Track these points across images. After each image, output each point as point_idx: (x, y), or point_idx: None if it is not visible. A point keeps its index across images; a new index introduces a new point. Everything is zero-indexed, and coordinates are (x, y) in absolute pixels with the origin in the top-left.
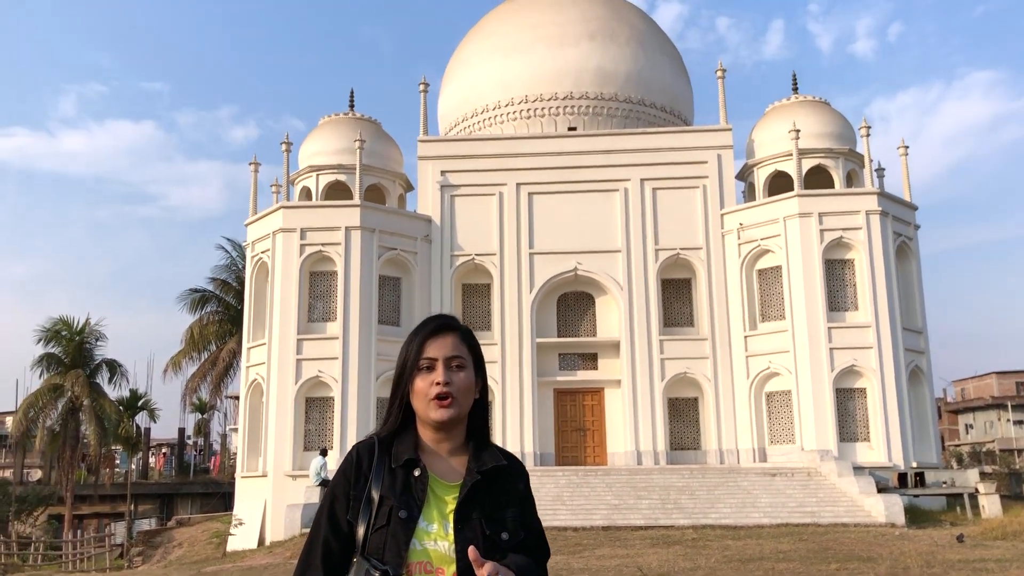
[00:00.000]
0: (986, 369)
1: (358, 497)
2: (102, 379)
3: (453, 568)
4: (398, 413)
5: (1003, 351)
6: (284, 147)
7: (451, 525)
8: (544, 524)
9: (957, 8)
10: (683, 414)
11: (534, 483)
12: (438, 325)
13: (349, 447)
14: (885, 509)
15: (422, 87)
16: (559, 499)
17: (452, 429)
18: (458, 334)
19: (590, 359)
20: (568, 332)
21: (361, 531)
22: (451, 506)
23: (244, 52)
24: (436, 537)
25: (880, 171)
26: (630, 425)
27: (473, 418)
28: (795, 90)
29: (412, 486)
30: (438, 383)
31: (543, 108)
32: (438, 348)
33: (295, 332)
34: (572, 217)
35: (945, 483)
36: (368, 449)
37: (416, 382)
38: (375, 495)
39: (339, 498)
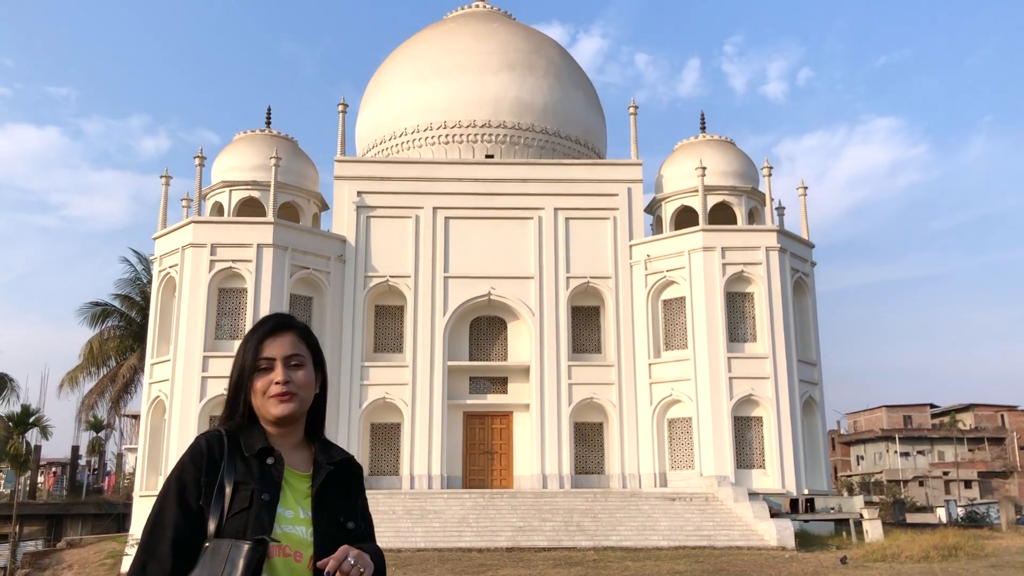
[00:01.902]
0: (877, 403)
1: (210, 484)
2: None
3: (310, 552)
4: (243, 411)
5: (894, 386)
6: (197, 161)
7: (308, 512)
8: (449, 545)
9: (863, 57)
10: (588, 439)
11: (439, 505)
12: (275, 324)
13: None
14: (777, 533)
15: (341, 107)
16: (464, 521)
17: (292, 424)
18: (296, 332)
19: (500, 383)
20: (480, 356)
21: (215, 517)
22: (305, 493)
23: (159, 61)
24: (293, 522)
25: (780, 209)
26: (537, 449)
27: (311, 414)
28: (703, 129)
29: (269, 472)
30: (277, 382)
31: (461, 135)
32: (276, 348)
33: (201, 349)
34: (487, 243)
35: (833, 509)
36: (217, 439)
37: (256, 383)
38: (228, 482)
39: (189, 486)
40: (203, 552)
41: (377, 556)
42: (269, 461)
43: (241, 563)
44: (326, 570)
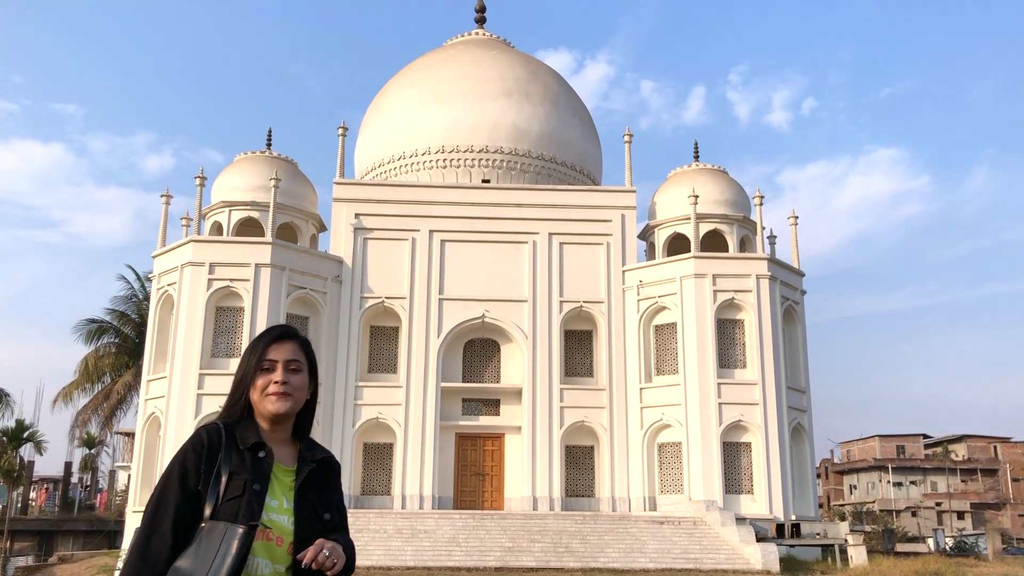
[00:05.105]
0: (871, 432)
1: (208, 472)
2: None
3: (291, 539)
4: (243, 408)
5: (888, 416)
6: (198, 181)
7: (291, 502)
8: (438, 564)
9: (866, 88)
10: (579, 461)
11: (430, 525)
12: (280, 332)
13: None
14: (762, 557)
15: (341, 130)
16: (454, 541)
17: (284, 422)
18: (297, 342)
19: (493, 405)
20: (473, 378)
21: (211, 502)
22: (290, 485)
23: (167, 80)
24: (278, 511)
25: (772, 238)
26: (528, 471)
27: (300, 416)
28: (696, 157)
29: (260, 464)
30: (277, 382)
31: (458, 159)
32: (280, 352)
33: (198, 367)
34: (482, 266)
35: (819, 534)
36: (216, 431)
37: (258, 381)
38: (224, 472)
39: (190, 471)
40: (199, 531)
41: (349, 547)
42: (261, 454)
43: (235, 544)
44: (304, 561)
